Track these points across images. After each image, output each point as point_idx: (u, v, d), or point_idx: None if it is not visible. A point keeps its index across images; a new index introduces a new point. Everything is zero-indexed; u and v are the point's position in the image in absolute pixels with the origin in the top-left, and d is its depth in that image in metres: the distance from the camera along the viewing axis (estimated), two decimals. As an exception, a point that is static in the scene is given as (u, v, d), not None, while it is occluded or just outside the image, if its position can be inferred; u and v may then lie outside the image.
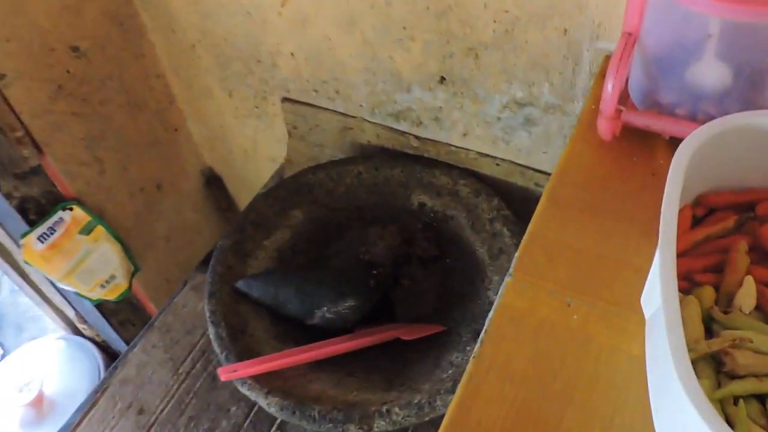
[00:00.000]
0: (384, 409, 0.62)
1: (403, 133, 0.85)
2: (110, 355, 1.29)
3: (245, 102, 0.99)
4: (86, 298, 1.01)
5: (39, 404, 1.21)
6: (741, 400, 0.34)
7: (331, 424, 0.62)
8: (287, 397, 0.64)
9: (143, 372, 0.78)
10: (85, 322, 1.25)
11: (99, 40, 0.90)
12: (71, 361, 1.27)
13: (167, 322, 0.83)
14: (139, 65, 0.98)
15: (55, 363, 1.28)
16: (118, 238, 1.00)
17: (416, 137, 0.84)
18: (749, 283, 0.39)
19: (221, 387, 0.75)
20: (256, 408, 0.73)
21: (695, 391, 0.29)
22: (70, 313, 1.26)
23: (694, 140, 0.39)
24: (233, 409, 0.73)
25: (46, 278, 1.12)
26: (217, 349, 0.69)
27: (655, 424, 0.36)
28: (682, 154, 0.38)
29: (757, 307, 0.39)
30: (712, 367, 0.36)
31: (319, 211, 0.85)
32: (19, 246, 1.02)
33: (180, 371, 0.77)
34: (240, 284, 0.75)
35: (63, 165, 0.91)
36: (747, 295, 0.39)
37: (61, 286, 0.97)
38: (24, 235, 0.90)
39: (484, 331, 0.42)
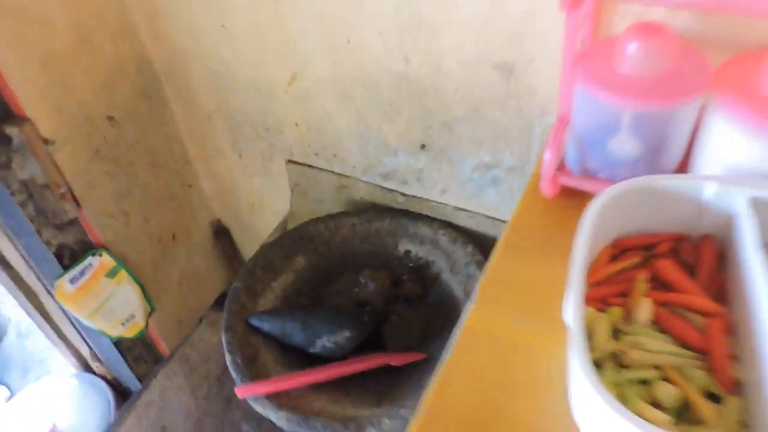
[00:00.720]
0: (375, 420, 0.73)
1: (390, 190, 0.99)
2: (120, 393, 1.38)
3: (253, 162, 1.14)
4: (107, 335, 1.12)
5: (53, 438, 1.29)
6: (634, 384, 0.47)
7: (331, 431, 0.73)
8: (294, 412, 0.76)
9: (165, 396, 0.89)
10: (98, 360, 1.36)
11: (130, 110, 1.05)
12: (83, 398, 1.37)
13: (185, 353, 0.94)
14: (161, 131, 1.13)
15: (67, 399, 1.37)
16: (138, 282, 1.13)
17: (402, 194, 0.99)
18: (646, 303, 0.53)
19: (234, 408, 0.86)
20: (263, 425, 0.84)
21: (591, 375, 0.42)
22: (85, 351, 1.36)
23: (601, 198, 0.53)
24: (245, 427, 0.84)
25: (68, 317, 1.23)
26: (233, 373, 0.81)
27: (572, 406, 0.49)
28: (590, 209, 0.52)
29: (654, 322, 0.52)
30: (616, 363, 0.49)
31: (319, 257, 0.99)
32: (47, 288, 1.14)
33: (198, 395, 0.89)
34: (253, 320, 0.87)
35: (95, 217, 1.04)
36: (644, 312, 0.52)
37: (87, 323, 1.09)
38: (58, 277, 1.03)
39: (451, 344, 0.56)
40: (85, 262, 1.04)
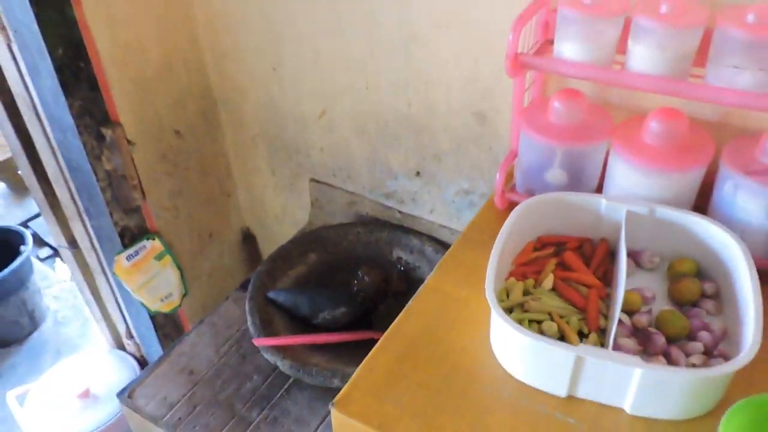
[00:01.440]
0: (358, 371, 0.95)
1: (390, 208, 1.24)
2: (145, 369, 1.60)
3: (283, 179, 1.40)
4: (147, 308, 1.35)
5: (86, 397, 1.51)
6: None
7: (322, 378, 0.95)
8: (296, 361, 0.98)
9: (195, 349, 1.12)
10: (131, 337, 1.59)
11: (192, 127, 1.33)
12: (114, 368, 1.59)
13: (213, 321, 1.18)
14: (213, 146, 1.40)
15: (101, 368, 1.59)
16: (179, 267, 1.37)
17: (399, 211, 1.23)
18: (551, 277, 0.76)
19: (248, 363, 1.09)
20: (271, 377, 1.06)
21: (498, 309, 0.65)
22: (122, 328, 1.59)
23: (521, 206, 0.77)
24: (255, 377, 1.06)
25: (114, 296, 1.47)
26: (252, 331, 1.04)
27: (491, 338, 0.71)
28: (513, 213, 0.76)
29: (554, 289, 0.75)
30: (521, 310, 0.72)
31: (328, 255, 1.23)
32: (103, 268, 1.39)
33: (220, 351, 1.11)
34: (271, 294, 1.11)
35: (154, 208, 1.30)
36: (548, 282, 0.75)
37: (133, 296, 1.32)
38: (118, 253, 1.27)
39: (413, 297, 0.79)
40: (141, 244, 1.29)
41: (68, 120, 1.09)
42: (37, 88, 1.09)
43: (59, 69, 1.03)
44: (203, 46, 1.27)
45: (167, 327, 1.44)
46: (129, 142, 1.17)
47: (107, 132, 1.13)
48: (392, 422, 0.63)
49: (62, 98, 1.06)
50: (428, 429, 0.62)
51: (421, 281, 1.18)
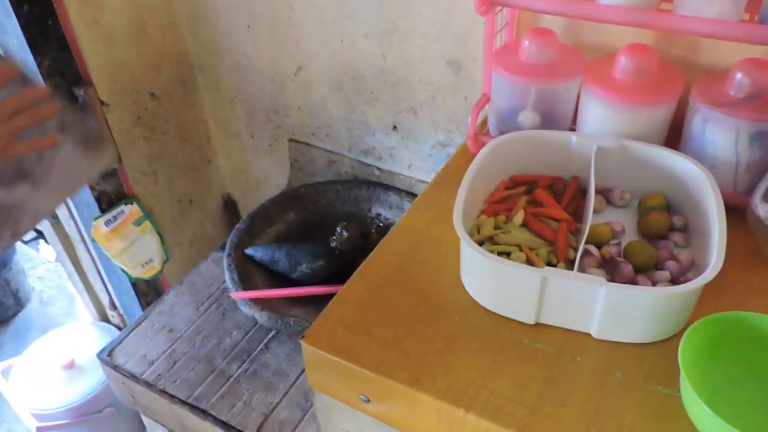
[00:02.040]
0: (335, 320, 0.95)
1: (369, 165, 1.24)
2: (130, 339, 1.59)
3: (263, 142, 1.39)
4: (128, 274, 1.35)
5: (70, 368, 1.51)
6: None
7: (300, 328, 0.95)
8: (274, 313, 0.98)
9: (174, 308, 1.12)
10: (115, 308, 1.58)
11: (168, 90, 1.32)
12: (98, 339, 1.58)
13: (193, 279, 1.17)
14: (191, 111, 1.39)
15: (85, 339, 1.59)
16: (159, 233, 1.36)
17: (378, 168, 1.23)
18: (521, 212, 0.76)
19: (228, 320, 1.09)
20: (251, 332, 1.06)
21: (466, 237, 0.65)
22: (105, 299, 1.59)
23: (491, 143, 0.77)
24: (234, 332, 1.07)
25: (95, 265, 1.47)
26: (230, 285, 1.04)
27: (461, 271, 0.71)
28: (482, 151, 0.76)
29: (524, 224, 0.75)
30: (492, 243, 0.72)
31: (307, 213, 1.22)
32: (81, 236, 1.38)
33: (200, 309, 1.11)
34: (248, 250, 1.11)
35: (131, 172, 1.29)
36: (518, 217, 0.75)
37: (114, 262, 1.32)
38: (96, 218, 1.26)
39: (382, 241, 0.78)
40: (119, 209, 1.28)
41: (38, 80, 1.07)
42: (4, 47, 1.08)
43: (26, 26, 1.02)
44: (176, 7, 1.25)
45: (149, 294, 1.44)
46: (102, 102, 1.16)
47: (79, 93, 1.12)
48: (360, 350, 0.63)
49: (31, 57, 1.05)
50: (396, 355, 0.62)
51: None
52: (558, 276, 0.60)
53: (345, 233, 1.14)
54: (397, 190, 1.20)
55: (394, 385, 0.60)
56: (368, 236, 1.17)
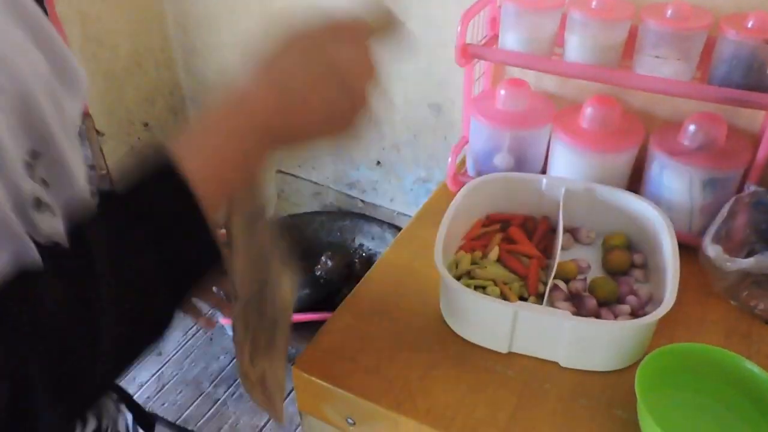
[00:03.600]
0: (320, 347, 1.00)
1: (353, 197, 1.30)
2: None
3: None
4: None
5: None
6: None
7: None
8: (261, 339, 1.03)
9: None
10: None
11: (161, 121, 1.37)
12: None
13: (181, 305, 1.21)
14: (181, 141, 1.44)
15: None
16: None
17: (362, 201, 1.29)
18: (496, 249, 0.82)
19: (215, 344, 1.13)
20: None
21: (445, 272, 0.71)
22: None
23: (468, 185, 0.84)
24: (221, 357, 1.11)
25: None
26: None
27: (441, 304, 0.77)
28: (460, 192, 0.82)
29: (499, 260, 0.81)
30: (469, 277, 0.78)
31: (292, 244, 1.27)
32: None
33: (187, 333, 1.15)
34: (237, 277, 1.15)
35: (122, 199, 1.33)
36: (493, 254, 0.82)
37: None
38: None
39: (367, 274, 0.84)
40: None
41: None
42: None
43: (30, 60, 1.07)
44: (173, 44, 1.31)
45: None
46: (98, 132, 1.21)
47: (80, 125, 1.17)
48: (346, 375, 0.68)
49: (33, 89, 1.09)
50: (380, 381, 0.68)
51: (381, 266, 1.25)
52: (528, 310, 0.66)
53: (330, 262, 1.20)
54: (380, 222, 1.27)
55: (378, 409, 0.66)
56: (352, 266, 1.23)
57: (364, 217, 1.28)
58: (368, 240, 1.26)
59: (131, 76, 1.26)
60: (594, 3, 0.78)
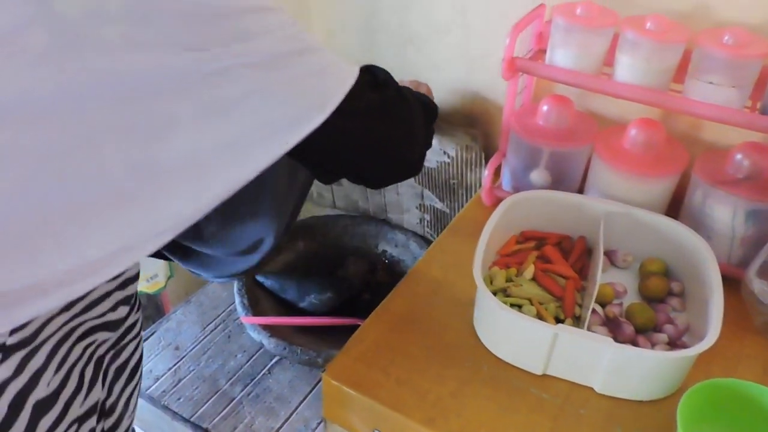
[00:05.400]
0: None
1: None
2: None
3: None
4: (132, 288, 1.37)
5: (63, 376, 1.51)
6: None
7: (307, 357, 0.99)
8: (282, 340, 1.02)
9: (181, 326, 1.14)
10: (112, 319, 1.60)
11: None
12: (93, 349, 1.59)
13: (200, 299, 1.20)
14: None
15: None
16: (166, 249, 1.39)
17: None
18: (531, 267, 0.81)
19: (233, 342, 1.12)
20: (254, 357, 1.09)
21: (485, 290, 0.70)
22: (103, 310, 1.60)
23: (506, 201, 0.82)
24: (239, 355, 1.09)
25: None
26: (240, 310, 1.07)
27: (474, 319, 0.76)
28: (498, 208, 0.81)
29: (534, 278, 0.80)
30: (504, 295, 0.76)
31: (316, 245, 1.26)
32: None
33: (206, 329, 1.14)
34: (259, 276, 1.14)
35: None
36: (529, 272, 0.80)
37: (119, 274, 1.34)
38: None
39: (399, 284, 0.83)
40: (131, 223, 1.31)
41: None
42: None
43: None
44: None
45: (149, 308, 1.46)
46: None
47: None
48: (378, 386, 0.67)
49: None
50: (411, 394, 0.66)
51: (404, 274, 1.22)
52: (569, 333, 0.65)
53: (353, 267, 1.18)
54: (404, 230, 1.25)
55: (409, 423, 0.64)
56: (374, 272, 1.22)
57: (388, 224, 1.27)
58: (391, 246, 1.25)
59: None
60: (648, 24, 0.77)
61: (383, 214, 1.29)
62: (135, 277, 0.57)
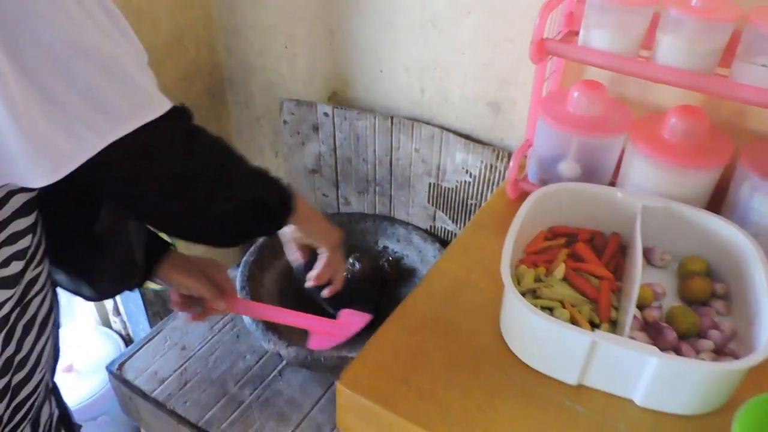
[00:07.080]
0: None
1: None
2: (130, 348, 1.56)
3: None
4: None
5: (68, 372, 1.47)
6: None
7: (332, 365, 0.92)
8: (303, 349, 0.94)
9: (188, 326, 1.09)
10: (118, 314, 1.56)
11: (197, 103, 1.31)
12: (99, 345, 1.55)
13: (208, 298, 1.15)
14: (216, 125, 1.38)
15: (85, 343, 1.56)
16: (174, 245, 1.34)
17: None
18: (562, 266, 0.75)
19: (241, 342, 1.07)
20: (264, 358, 1.04)
21: (515, 291, 0.64)
22: (109, 305, 1.56)
23: (534, 194, 0.76)
24: (248, 356, 1.04)
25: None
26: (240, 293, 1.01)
27: (501, 324, 0.70)
28: (526, 201, 0.75)
29: (565, 278, 0.74)
30: (533, 296, 0.70)
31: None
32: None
33: (214, 328, 1.09)
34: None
35: (153, 181, 1.27)
36: (559, 271, 0.74)
37: (125, 270, 1.29)
38: (113, 225, 1.24)
39: (421, 278, 0.77)
40: (137, 217, 1.26)
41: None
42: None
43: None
44: (215, 22, 1.25)
45: (156, 305, 1.41)
46: (134, 110, 1.15)
47: (113, 99, 1.11)
48: (398, 398, 0.61)
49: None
50: (435, 407, 0.61)
51: (410, 269, 1.17)
52: (610, 341, 0.59)
53: (358, 265, 1.13)
54: (403, 223, 1.19)
55: (432, 439, 0.59)
56: (380, 269, 1.15)
57: (386, 219, 1.20)
58: (393, 242, 1.19)
59: (170, 54, 1.19)
60: (694, 0, 0.70)
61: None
62: (26, 231, 0.53)
